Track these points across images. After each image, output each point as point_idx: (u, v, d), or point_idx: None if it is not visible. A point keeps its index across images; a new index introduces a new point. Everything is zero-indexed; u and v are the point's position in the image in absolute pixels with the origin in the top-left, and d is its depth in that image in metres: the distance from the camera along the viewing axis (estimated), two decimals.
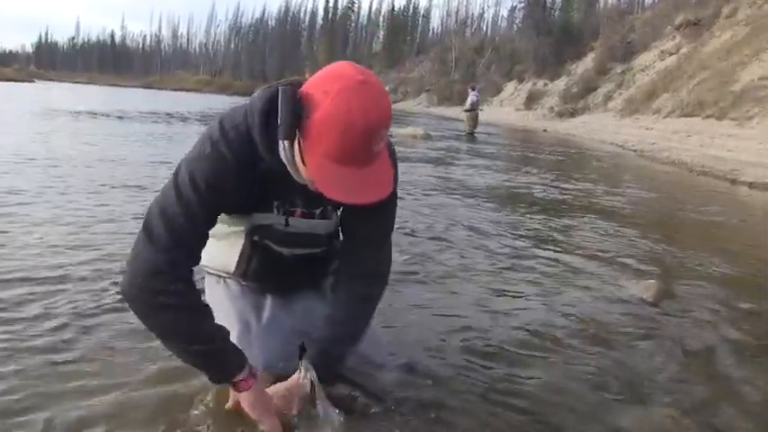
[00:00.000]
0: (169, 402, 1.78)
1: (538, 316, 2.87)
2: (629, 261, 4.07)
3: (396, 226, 1.89)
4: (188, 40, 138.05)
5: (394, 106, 1.46)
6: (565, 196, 7.29)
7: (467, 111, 19.91)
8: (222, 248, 1.73)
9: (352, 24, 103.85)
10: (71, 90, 41.08)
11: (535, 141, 19.66)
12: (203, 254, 1.55)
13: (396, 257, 2.10)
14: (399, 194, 1.72)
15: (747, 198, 8.68)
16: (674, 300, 3.26)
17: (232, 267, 1.85)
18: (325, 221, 1.78)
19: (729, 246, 4.94)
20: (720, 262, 4.22)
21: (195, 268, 1.54)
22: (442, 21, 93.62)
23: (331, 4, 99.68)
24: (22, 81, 54.98)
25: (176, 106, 25.41)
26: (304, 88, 1.36)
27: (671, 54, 26.81)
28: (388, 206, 1.69)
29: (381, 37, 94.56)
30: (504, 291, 3.23)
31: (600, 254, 4.22)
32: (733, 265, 4.16)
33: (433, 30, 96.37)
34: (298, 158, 1.41)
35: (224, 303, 1.77)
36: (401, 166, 1.59)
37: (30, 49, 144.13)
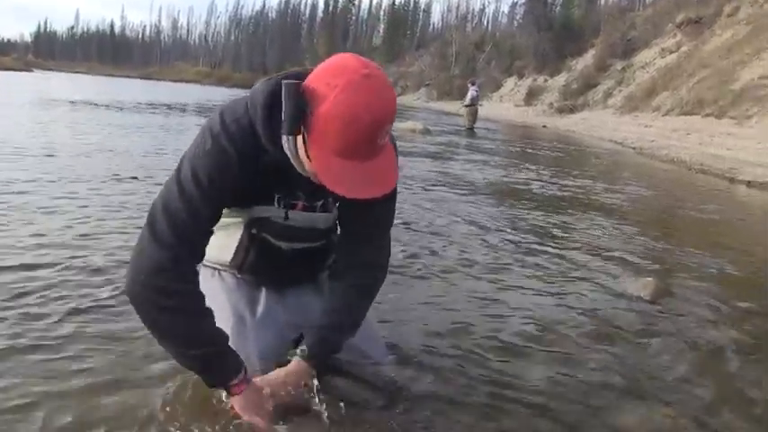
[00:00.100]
0: (170, 401, 1.76)
1: (535, 313, 2.86)
2: (627, 258, 4.07)
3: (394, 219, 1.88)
4: (188, 31, 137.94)
5: None
6: (564, 193, 7.28)
7: (467, 106, 19.87)
8: (219, 240, 1.72)
9: (353, 18, 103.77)
10: (70, 80, 40.95)
11: (534, 137, 19.64)
12: None
13: (393, 251, 2.09)
14: (398, 188, 1.71)
15: (746, 197, 8.68)
16: (672, 298, 3.26)
17: (228, 259, 1.84)
18: (324, 215, 1.77)
19: (727, 244, 4.94)
20: (718, 260, 4.22)
21: None
22: (442, 15, 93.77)
23: None
24: (21, 70, 54.82)
25: (175, 97, 25.36)
26: (307, 82, 1.34)
27: (671, 52, 26.79)
28: (388, 199, 1.68)
29: (382, 31, 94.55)
30: (502, 287, 3.22)
31: (598, 251, 4.22)
32: (731, 264, 4.16)
33: (433, 24, 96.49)
34: (302, 152, 1.40)
35: (218, 296, 1.77)
36: (400, 161, 1.58)
37: (28, 38, 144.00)
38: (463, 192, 6.50)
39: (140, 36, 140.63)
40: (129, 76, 73.07)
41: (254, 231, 1.75)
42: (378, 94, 1.30)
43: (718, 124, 15.54)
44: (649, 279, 3.41)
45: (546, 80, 37.70)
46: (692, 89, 19.43)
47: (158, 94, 27.86)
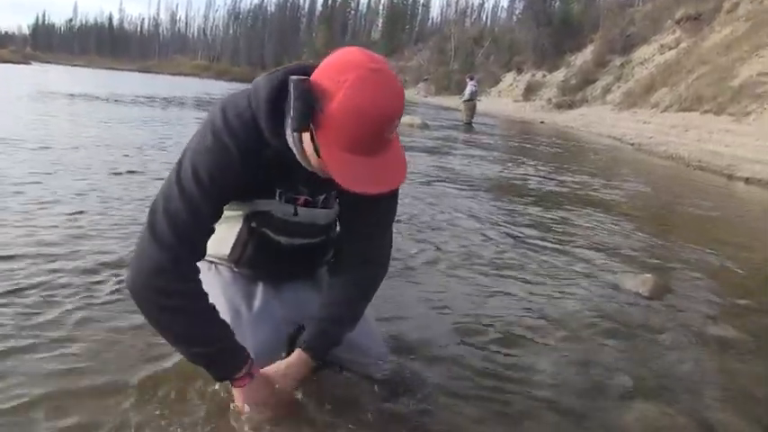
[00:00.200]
0: (175, 398, 1.76)
1: (533, 309, 2.86)
2: (625, 255, 4.07)
3: None
4: (186, 24, 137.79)
5: None
6: (562, 188, 7.27)
7: (465, 101, 19.84)
8: (217, 233, 1.69)
9: (352, 12, 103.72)
10: (68, 73, 40.86)
11: (533, 133, 19.64)
12: None
13: (393, 246, 2.08)
14: None
15: (744, 194, 8.69)
16: (671, 294, 3.25)
17: (226, 253, 1.82)
18: (325, 211, 1.76)
19: (726, 241, 4.94)
20: (717, 257, 4.22)
21: None
22: (441, 10, 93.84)
23: None
24: (19, 63, 54.65)
25: (174, 91, 25.28)
26: (315, 77, 1.32)
27: (670, 48, 26.76)
28: (391, 194, 1.69)
29: (380, 25, 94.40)
30: (500, 283, 3.22)
31: (597, 247, 4.21)
32: (730, 261, 4.16)
33: (432, 19, 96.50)
34: (309, 148, 1.39)
35: (214, 290, 1.75)
36: None
37: (26, 30, 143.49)
38: (461, 187, 6.49)
39: (139, 29, 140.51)
40: (127, 70, 72.83)
41: (253, 225, 1.73)
42: (386, 88, 1.30)
43: (717, 121, 15.52)
44: (648, 275, 3.41)
45: (544, 75, 37.68)
46: (691, 86, 19.42)
47: (157, 87, 27.76)
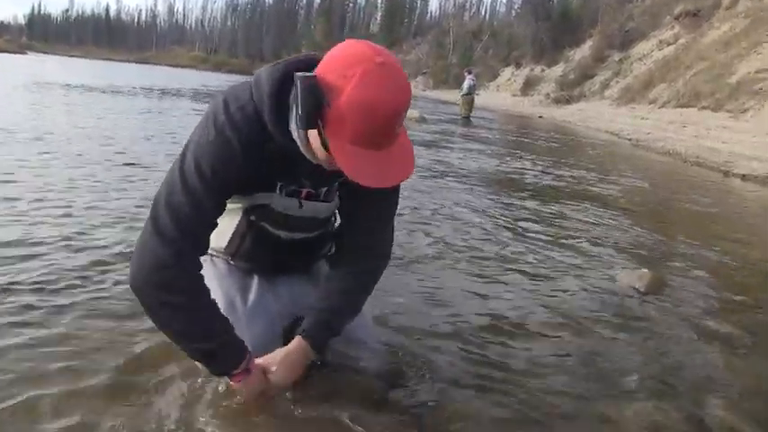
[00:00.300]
0: (157, 384, 1.75)
1: (529, 303, 2.86)
2: (622, 250, 4.07)
3: None
4: (184, 15, 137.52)
5: None
6: (560, 183, 7.27)
7: (464, 95, 19.80)
8: None
9: (350, 4, 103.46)
10: (64, 63, 40.70)
11: (531, 127, 19.63)
12: None
13: None
14: None
15: (740, 190, 8.69)
16: (667, 290, 3.25)
17: (223, 246, 1.81)
18: (326, 205, 1.75)
19: (723, 237, 4.93)
20: (714, 253, 4.22)
21: None
22: (440, 4, 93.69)
23: None
24: (14, 53, 54.42)
25: (171, 82, 25.21)
26: (321, 73, 1.31)
27: (669, 44, 26.76)
28: (393, 187, 1.67)
29: (379, 18, 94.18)
30: (496, 277, 3.21)
31: (594, 242, 4.21)
32: (726, 257, 4.16)
33: (430, 12, 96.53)
34: (315, 142, 1.38)
35: (210, 282, 1.73)
36: None
37: (22, 20, 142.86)
38: (459, 180, 6.48)
39: (136, 20, 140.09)
40: (124, 61, 72.63)
41: (252, 218, 1.72)
42: (393, 81, 1.28)
43: (715, 117, 15.55)
44: (645, 271, 3.40)
45: (543, 70, 37.70)
46: (689, 82, 19.43)
47: (154, 78, 27.69)
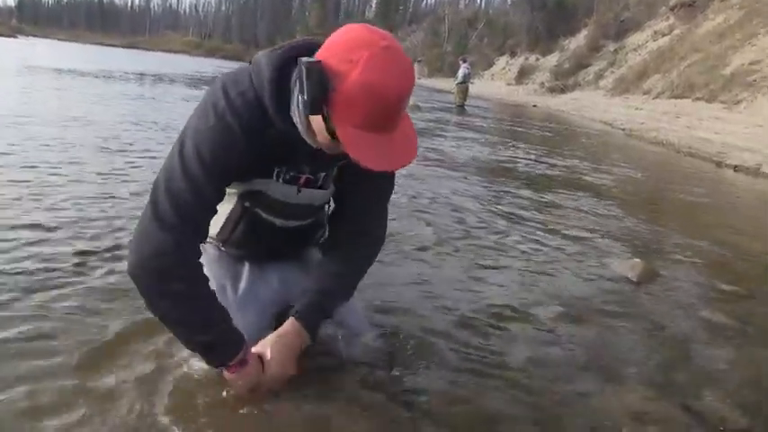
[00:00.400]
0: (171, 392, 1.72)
1: (521, 292, 2.85)
2: (615, 239, 4.07)
3: None
4: (178, 0, 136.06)
5: None
6: (553, 172, 7.27)
7: (459, 83, 19.76)
8: None
9: None
10: (56, 47, 40.30)
11: (525, 116, 19.62)
12: None
13: None
14: None
15: (733, 181, 8.72)
16: (659, 279, 3.26)
17: (215, 231, 1.81)
18: (322, 192, 1.75)
19: (715, 227, 4.95)
20: (706, 243, 4.23)
21: None
22: None
23: None
24: (4, 36, 53.83)
25: (163, 68, 25.02)
26: (325, 58, 1.30)
27: (664, 35, 26.80)
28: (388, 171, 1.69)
29: (374, 5, 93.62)
30: (488, 266, 3.20)
31: (586, 231, 4.21)
32: (718, 247, 4.17)
33: (426, 0, 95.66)
34: (318, 126, 1.37)
35: None
36: None
37: (12, 2, 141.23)
38: (452, 169, 6.46)
39: (129, 4, 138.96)
40: (116, 45, 72.03)
41: (246, 205, 1.72)
42: (399, 64, 1.29)
43: (708, 108, 15.60)
44: (637, 260, 3.41)
45: (538, 59, 37.66)
46: (683, 73, 19.47)
47: (147, 64, 27.47)
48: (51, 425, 1.48)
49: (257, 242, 1.83)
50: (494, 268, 3.16)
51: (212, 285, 1.68)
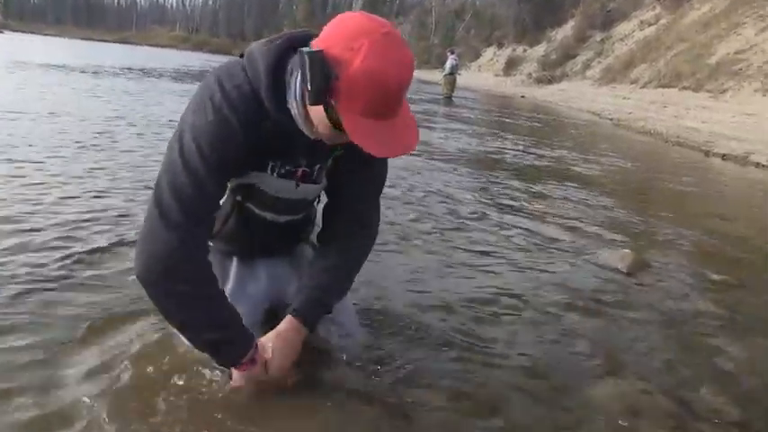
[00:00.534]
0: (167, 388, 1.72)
1: (511, 283, 2.85)
2: (604, 230, 4.07)
3: None
4: None
5: None
6: (541, 163, 7.28)
7: (446, 75, 19.76)
8: None
9: None
10: (43, 42, 39.83)
11: (512, 107, 19.65)
12: None
13: None
14: None
15: (721, 170, 8.76)
16: (650, 270, 3.26)
17: None
18: (315, 186, 1.73)
19: (705, 216, 4.97)
20: (696, 232, 4.24)
21: None
22: None
23: None
24: None
25: (150, 62, 24.82)
26: (325, 47, 1.29)
27: (650, 24, 26.88)
28: (383, 161, 1.70)
29: None
30: (478, 258, 3.19)
31: (576, 222, 4.22)
32: (708, 236, 4.19)
33: None
34: (316, 116, 1.37)
35: None
36: None
37: None
38: (440, 161, 6.45)
39: None
40: (103, 40, 71.35)
41: (238, 198, 1.70)
42: (399, 51, 1.29)
43: (695, 97, 15.68)
44: (627, 251, 3.41)
45: (525, 50, 37.71)
46: (670, 62, 19.56)
47: (135, 58, 27.19)
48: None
49: (248, 237, 1.81)
50: (482, 261, 3.15)
51: None
